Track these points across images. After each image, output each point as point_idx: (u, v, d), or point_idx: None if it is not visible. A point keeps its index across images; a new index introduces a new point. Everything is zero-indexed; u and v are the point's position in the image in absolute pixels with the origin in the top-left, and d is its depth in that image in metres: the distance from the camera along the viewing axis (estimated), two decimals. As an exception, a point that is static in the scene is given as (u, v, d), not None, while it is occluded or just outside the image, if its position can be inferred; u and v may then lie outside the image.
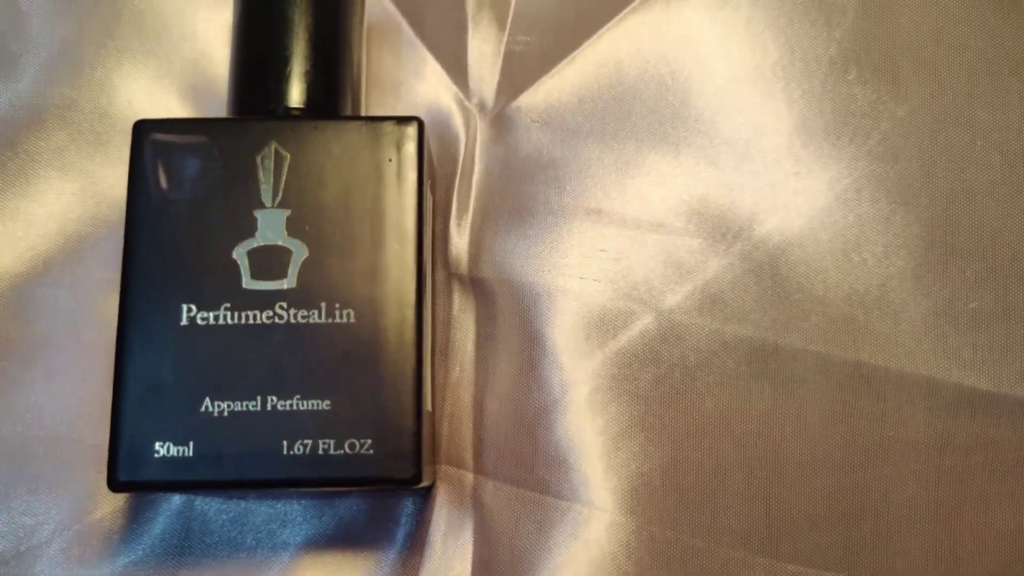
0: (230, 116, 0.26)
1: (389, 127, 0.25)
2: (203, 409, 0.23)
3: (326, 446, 0.23)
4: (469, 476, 0.27)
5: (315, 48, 0.26)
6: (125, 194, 0.29)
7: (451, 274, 0.28)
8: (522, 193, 0.28)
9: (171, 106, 0.29)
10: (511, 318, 0.27)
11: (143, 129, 0.25)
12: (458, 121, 0.29)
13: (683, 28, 0.28)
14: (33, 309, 0.27)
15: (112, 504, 0.27)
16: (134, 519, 0.27)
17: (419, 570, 0.26)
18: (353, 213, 0.24)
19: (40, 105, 0.28)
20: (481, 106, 0.29)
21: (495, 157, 0.28)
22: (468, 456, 0.27)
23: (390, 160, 0.25)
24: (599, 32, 0.28)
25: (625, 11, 0.28)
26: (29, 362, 0.27)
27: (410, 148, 0.25)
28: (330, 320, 0.24)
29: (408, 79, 0.29)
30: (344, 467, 0.23)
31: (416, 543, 0.26)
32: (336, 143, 0.25)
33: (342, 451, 0.23)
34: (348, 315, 0.24)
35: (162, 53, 0.29)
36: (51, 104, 0.28)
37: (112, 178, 0.28)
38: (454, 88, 0.29)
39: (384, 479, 0.23)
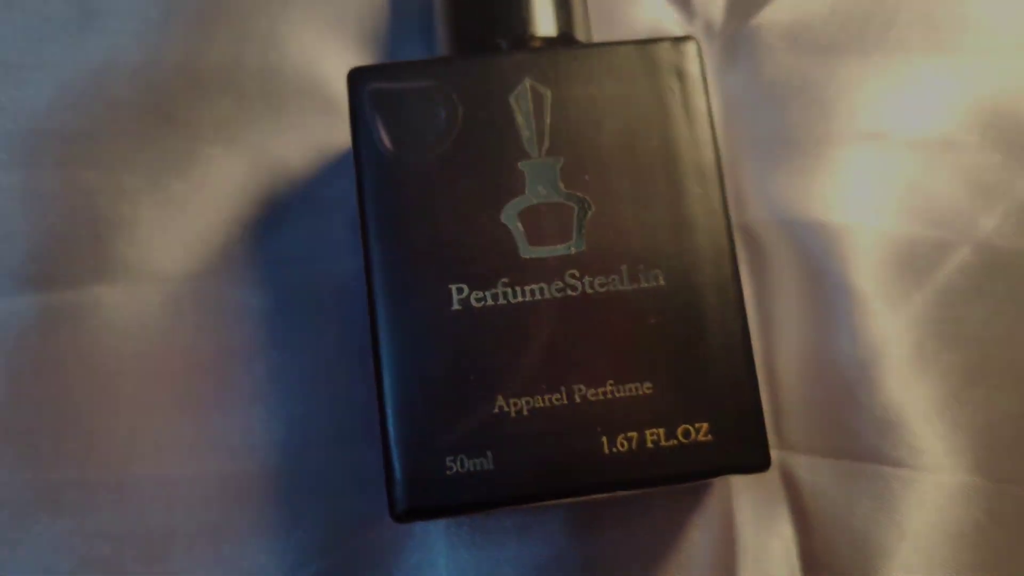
0: (452, 54, 0.22)
1: (664, 50, 0.21)
2: (496, 410, 0.19)
3: (655, 437, 0.19)
4: (772, 452, 0.23)
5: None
6: (303, 167, 0.24)
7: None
8: (779, 123, 0.24)
9: (349, 56, 0.24)
10: (796, 267, 0.23)
11: (360, 78, 0.21)
12: (684, 47, 0.25)
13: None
14: (221, 317, 0.23)
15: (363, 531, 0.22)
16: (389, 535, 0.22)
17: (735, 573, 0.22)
18: (640, 155, 0.20)
19: (198, 67, 0.23)
20: (708, 27, 0.25)
21: (734, 86, 0.24)
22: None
23: (672, 90, 0.21)
24: (850, -75, 0.24)
25: None
26: (228, 383, 0.22)
27: (694, 72, 0.21)
28: (635, 286, 0.20)
29: (618, -2, 0.25)
30: (679, 460, 0.19)
31: (723, 542, 0.22)
32: (603, 74, 0.21)
33: (675, 441, 0.19)
34: (655, 277, 0.20)
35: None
36: (210, 65, 0.23)
37: (285, 149, 0.23)
38: (671, 7, 0.25)
39: (730, 468, 0.19)
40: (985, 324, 0.22)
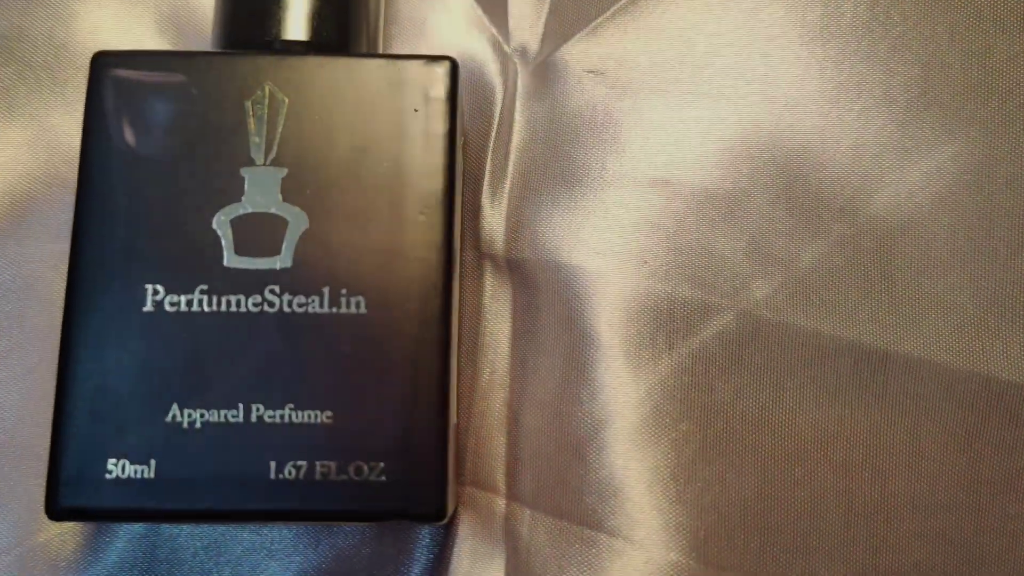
0: (215, 50, 0.21)
1: (415, 68, 0.20)
2: (169, 418, 0.18)
3: (325, 469, 0.18)
4: (500, 502, 0.22)
5: (322, -33, 0.21)
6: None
7: (482, 254, 0.23)
8: (572, 158, 0.23)
9: (145, 39, 0.24)
10: (556, 310, 0.22)
11: (104, 63, 0.20)
12: (494, 69, 0.24)
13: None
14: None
15: (60, 525, 0.22)
16: (87, 543, 0.22)
17: (437, 618, 0.21)
18: (367, 175, 0.19)
19: (-18, 34, 0.23)
20: (522, 52, 0.24)
21: (539, 114, 0.23)
22: (499, 477, 0.22)
23: (416, 110, 0.20)
24: (672, -38, 0.23)
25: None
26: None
27: (440, 94, 0.20)
28: (334, 310, 0.19)
29: (434, 16, 0.24)
30: (347, 497, 0.18)
31: (435, 582, 0.21)
32: (347, 86, 0.20)
33: (345, 476, 0.18)
34: (357, 304, 0.19)
35: (134, -27, 0.24)
36: (-5, 33, 0.23)
37: (68, 126, 0.23)
38: (490, 29, 0.24)
39: (399, 513, 0.18)
40: (734, 398, 0.21)
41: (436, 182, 0.19)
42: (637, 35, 0.23)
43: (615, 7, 0.23)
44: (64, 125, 0.23)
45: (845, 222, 0.22)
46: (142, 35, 0.24)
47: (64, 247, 0.22)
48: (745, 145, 0.22)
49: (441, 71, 0.20)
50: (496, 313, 0.23)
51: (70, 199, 0.23)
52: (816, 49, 0.22)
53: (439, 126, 0.20)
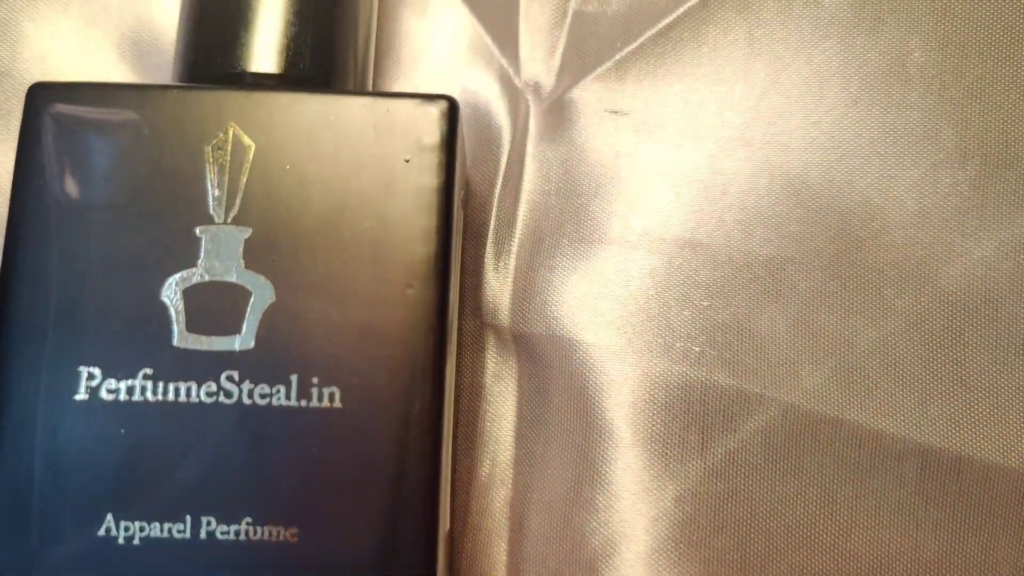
0: (175, 83, 0.18)
1: (406, 108, 0.17)
2: (103, 531, 0.15)
3: (288, 600, 0.15)
4: (499, 620, 0.18)
5: (302, -11, 0.18)
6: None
7: (484, 325, 0.20)
8: (590, 213, 0.20)
9: (105, 68, 0.21)
10: (569, 396, 0.19)
11: (41, 96, 0.17)
12: (502, 107, 0.21)
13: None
14: None
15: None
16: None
17: None
18: (346, 238, 0.16)
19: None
20: (535, 88, 0.21)
21: (553, 160, 0.20)
22: (499, 590, 0.19)
23: (407, 160, 0.17)
24: (709, -11, 0.20)
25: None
26: None
27: (435, 141, 0.17)
28: (303, 403, 0.16)
29: (435, 47, 0.21)
30: (316, 634, 0.15)
31: None
32: (325, 130, 0.17)
33: (313, 609, 0.15)
34: (331, 396, 0.16)
35: (91, -9, 0.21)
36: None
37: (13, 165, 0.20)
38: (499, 60, 0.21)
39: (378, 656, 0.15)
40: (778, 509, 0.18)
41: (428, 248, 0.16)
42: (668, 71, 0.20)
43: (643, 38, 0.20)
44: (8, 163, 0.20)
45: (909, 298, 0.18)
46: (100, 62, 0.20)
47: None
48: (793, 203, 0.19)
49: (437, 112, 0.17)
50: (499, 395, 0.19)
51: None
52: (877, 93, 0.19)
53: (433, 179, 0.16)
